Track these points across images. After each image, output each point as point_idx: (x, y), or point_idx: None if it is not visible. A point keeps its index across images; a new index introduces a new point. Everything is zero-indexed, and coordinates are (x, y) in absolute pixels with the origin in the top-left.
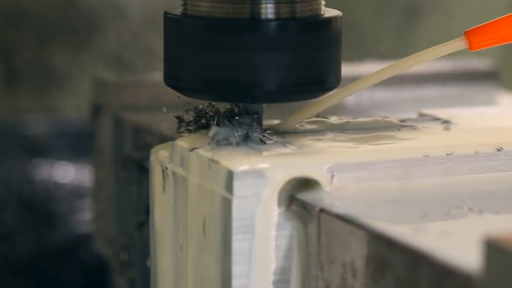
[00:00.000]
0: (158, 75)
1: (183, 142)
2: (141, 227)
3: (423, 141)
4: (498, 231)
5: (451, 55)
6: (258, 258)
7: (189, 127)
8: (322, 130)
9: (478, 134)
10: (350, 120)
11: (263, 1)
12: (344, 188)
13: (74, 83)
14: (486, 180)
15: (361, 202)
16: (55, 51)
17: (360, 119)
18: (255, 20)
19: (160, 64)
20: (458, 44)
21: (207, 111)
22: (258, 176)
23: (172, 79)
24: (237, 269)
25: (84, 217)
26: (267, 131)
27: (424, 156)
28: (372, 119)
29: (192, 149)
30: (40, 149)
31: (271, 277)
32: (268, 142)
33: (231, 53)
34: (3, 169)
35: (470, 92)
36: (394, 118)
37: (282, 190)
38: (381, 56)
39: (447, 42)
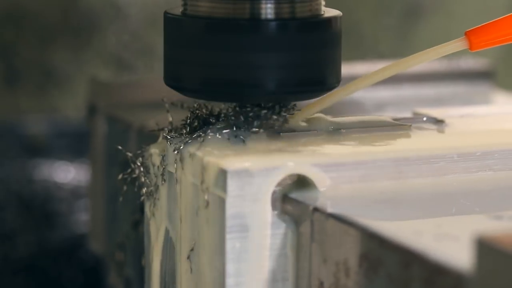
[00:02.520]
0: (153, 75)
1: (177, 141)
2: (136, 226)
3: (417, 141)
4: (490, 230)
5: (448, 55)
6: (251, 257)
7: (184, 127)
8: (316, 129)
9: (472, 134)
10: (344, 119)
11: (263, 1)
12: (338, 187)
13: (74, 83)
14: (479, 180)
15: (355, 202)
16: (55, 51)
17: (355, 118)
18: (255, 20)
19: (159, 64)
20: (459, 44)
21: (202, 111)
22: (252, 175)
23: (172, 79)
24: (231, 267)
25: (84, 217)
26: (264, 130)
27: (417, 156)
28: (367, 118)
29: (185, 149)
30: (40, 149)
31: (265, 276)
32: (263, 141)
33: (231, 53)
34: (3, 169)
35: (465, 92)
36: (388, 117)
37: (276, 189)
38: (381, 56)
39: (448, 42)
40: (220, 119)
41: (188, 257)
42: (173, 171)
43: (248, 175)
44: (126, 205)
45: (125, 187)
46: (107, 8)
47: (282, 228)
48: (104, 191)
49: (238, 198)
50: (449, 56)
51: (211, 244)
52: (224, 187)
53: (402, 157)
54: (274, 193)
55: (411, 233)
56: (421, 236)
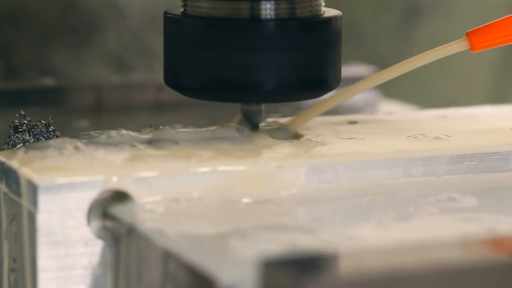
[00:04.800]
0: None
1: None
2: None
3: (227, 153)
4: (276, 254)
5: None
6: (68, 277)
7: (14, 139)
8: (127, 142)
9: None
10: (184, 130)
11: (263, 1)
12: (157, 202)
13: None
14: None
15: (174, 217)
16: (55, 51)
17: (193, 131)
18: (255, 20)
19: (159, 64)
20: (460, 45)
21: (22, 122)
22: (64, 189)
23: (172, 79)
24: (45, 287)
25: None
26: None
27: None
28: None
29: (3, 162)
30: None
31: None
32: (83, 155)
33: (231, 53)
34: None
35: (352, 99)
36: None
37: (93, 204)
38: (381, 56)
39: (449, 43)
40: (40, 130)
41: (13, 270)
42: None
43: (61, 190)
44: None
45: None
46: (107, 8)
47: (99, 245)
48: None
49: (51, 214)
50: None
51: (27, 264)
52: (35, 202)
53: (204, 172)
54: (92, 208)
55: (201, 251)
56: (212, 254)
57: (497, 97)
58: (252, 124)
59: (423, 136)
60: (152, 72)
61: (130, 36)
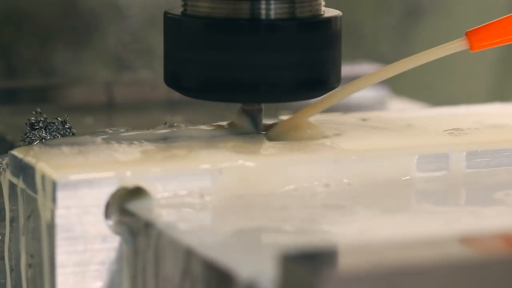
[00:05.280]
0: None
1: (16, 152)
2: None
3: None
4: (295, 248)
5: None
6: (85, 272)
7: (30, 136)
8: (147, 139)
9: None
10: (197, 127)
11: (263, 1)
12: (174, 197)
13: None
14: None
15: (190, 213)
16: (55, 51)
17: (190, 128)
18: (255, 20)
19: (159, 64)
20: (459, 44)
21: (39, 119)
22: (82, 186)
23: (172, 79)
24: (63, 282)
25: None
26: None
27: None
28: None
29: (21, 158)
30: None
31: None
32: (100, 151)
33: (231, 53)
34: None
35: (362, 97)
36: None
37: (110, 200)
38: (381, 56)
39: (448, 43)
40: (56, 128)
41: (30, 266)
42: (15, 182)
43: (78, 186)
44: None
45: None
46: (107, 8)
47: (117, 241)
48: None
49: (69, 210)
50: (343, 62)
51: (45, 259)
52: (54, 198)
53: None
54: (109, 204)
55: (223, 249)
56: (231, 250)
57: (497, 96)
58: (252, 123)
59: (458, 131)
60: (152, 72)
61: (130, 36)
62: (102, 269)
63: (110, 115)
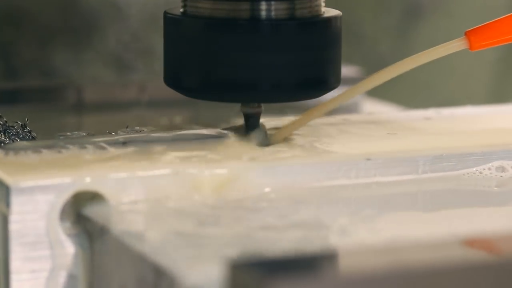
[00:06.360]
0: None
1: None
2: None
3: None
4: (242, 254)
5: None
6: (39, 278)
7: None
8: (102, 144)
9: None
10: (159, 131)
11: (263, 1)
12: (131, 203)
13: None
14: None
15: (143, 219)
16: (55, 51)
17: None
18: (255, 20)
19: (159, 64)
20: (459, 44)
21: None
22: (37, 192)
23: (172, 79)
24: None
25: None
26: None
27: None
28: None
29: None
30: None
31: None
32: (61, 153)
33: (231, 53)
34: None
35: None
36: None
37: (66, 205)
38: (381, 56)
39: (448, 42)
40: (17, 131)
41: None
42: None
43: (33, 191)
44: None
45: None
46: (107, 8)
47: (72, 247)
48: None
49: (24, 215)
50: None
51: (1, 268)
52: (8, 203)
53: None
54: (65, 209)
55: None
56: (177, 255)
57: (497, 96)
58: (251, 124)
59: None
60: (152, 72)
61: (130, 36)
62: (59, 275)
63: (110, 115)
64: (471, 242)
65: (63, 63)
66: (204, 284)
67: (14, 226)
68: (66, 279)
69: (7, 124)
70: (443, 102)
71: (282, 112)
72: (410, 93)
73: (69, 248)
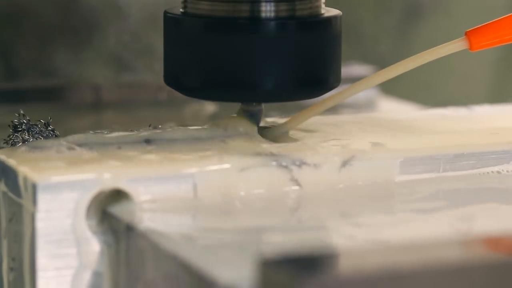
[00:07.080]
0: None
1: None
2: None
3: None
4: (275, 252)
5: None
6: (65, 275)
7: (13, 138)
8: (125, 142)
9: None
10: (180, 128)
11: (263, 1)
12: (156, 201)
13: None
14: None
15: (172, 216)
16: (55, 51)
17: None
18: (255, 19)
19: (159, 64)
20: (459, 44)
21: (22, 121)
22: (63, 189)
23: (172, 79)
24: (44, 286)
25: None
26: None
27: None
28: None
29: (3, 161)
30: None
31: None
32: (85, 152)
33: (231, 53)
34: None
35: (352, 98)
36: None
37: (92, 203)
38: (381, 56)
39: (448, 43)
40: (40, 129)
41: (12, 269)
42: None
43: (59, 189)
44: None
45: None
46: (107, 8)
47: (99, 244)
48: None
49: (50, 213)
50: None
51: (27, 264)
52: (35, 201)
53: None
54: (90, 207)
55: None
56: (215, 256)
57: (497, 97)
58: (252, 123)
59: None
60: (152, 72)
61: (130, 36)
62: (84, 272)
63: (110, 115)
64: (488, 242)
65: (63, 63)
66: (236, 282)
67: (40, 223)
68: (92, 276)
69: (30, 123)
70: (443, 102)
71: (283, 111)
72: (410, 92)
73: (95, 245)
